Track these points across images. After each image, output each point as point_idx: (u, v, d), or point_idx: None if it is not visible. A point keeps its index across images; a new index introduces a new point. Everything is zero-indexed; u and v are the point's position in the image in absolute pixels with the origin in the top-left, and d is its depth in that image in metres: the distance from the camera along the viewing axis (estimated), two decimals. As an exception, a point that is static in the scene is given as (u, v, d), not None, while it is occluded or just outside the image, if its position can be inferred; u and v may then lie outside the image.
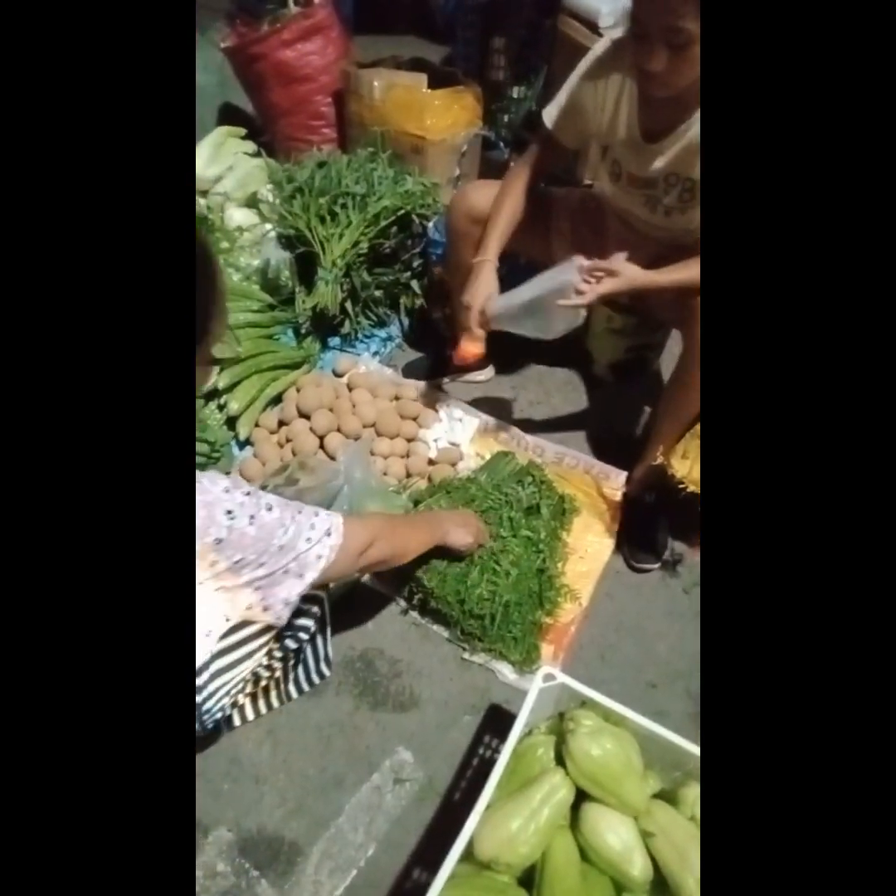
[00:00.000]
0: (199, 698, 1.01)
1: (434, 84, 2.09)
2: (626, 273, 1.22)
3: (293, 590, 0.90)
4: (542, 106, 1.33)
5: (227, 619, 0.91)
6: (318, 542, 0.92)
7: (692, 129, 1.13)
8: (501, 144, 2.09)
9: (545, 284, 1.26)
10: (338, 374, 1.78)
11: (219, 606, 0.89)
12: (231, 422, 1.58)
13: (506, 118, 2.28)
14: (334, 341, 1.86)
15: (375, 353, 1.85)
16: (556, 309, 1.25)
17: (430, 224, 1.76)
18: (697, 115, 1.11)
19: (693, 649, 1.31)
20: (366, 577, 1.35)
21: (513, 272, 1.44)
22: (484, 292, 1.32)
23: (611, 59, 1.18)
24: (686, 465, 1.22)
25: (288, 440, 1.58)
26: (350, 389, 1.69)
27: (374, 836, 1.08)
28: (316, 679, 1.19)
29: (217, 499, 0.80)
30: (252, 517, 0.83)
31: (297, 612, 1.05)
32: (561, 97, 1.26)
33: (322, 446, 1.56)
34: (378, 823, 1.09)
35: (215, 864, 1.05)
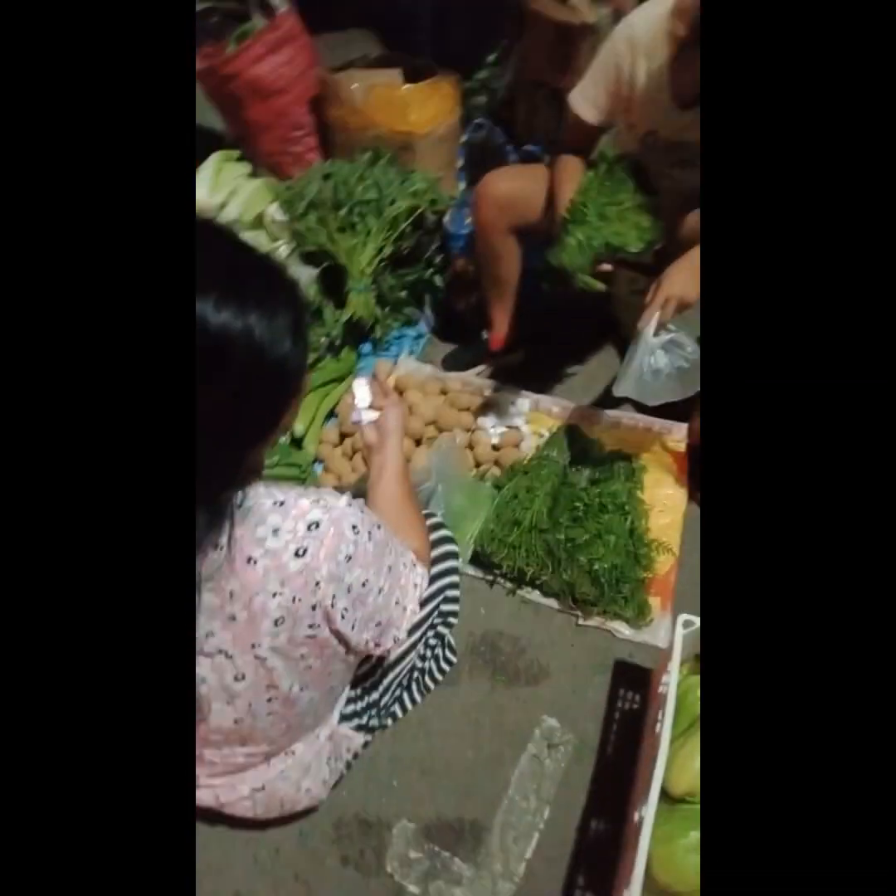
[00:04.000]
0: (377, 696, 1.08)
1: (407, 78, 2.11)
2: (677, 284, 1.22)
3: (401, 625, 0.91)
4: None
5: None
6: (411, 569, 0.92)
7: None
8: (490, 127, 2.12)
9: (645, 357, 1.26)
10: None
11: None
12: (296, 443, 1.61)
13: (480, 99, 2.32)
14: (366, 348, 1.89)
15: (410, 353, 1.89)
16: (665, 380, 1.27)
17: (446, 218, 1.80)
18: None
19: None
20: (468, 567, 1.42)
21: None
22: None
23: (644, 35, 1.22)
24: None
25: (355, 451, 1.62)
26: (399, 392, 1.74)
27: (545, 800, 1.16)
28: (445, 667, 1.25)
29: (343, 513, 0.76)
30: (369, 533, 0.80)
31: (444, 599, 1.11)
32: (593, 87, 1.31)
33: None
34: (545, 787, 1.17)
35: (407, 852, 1.12)
